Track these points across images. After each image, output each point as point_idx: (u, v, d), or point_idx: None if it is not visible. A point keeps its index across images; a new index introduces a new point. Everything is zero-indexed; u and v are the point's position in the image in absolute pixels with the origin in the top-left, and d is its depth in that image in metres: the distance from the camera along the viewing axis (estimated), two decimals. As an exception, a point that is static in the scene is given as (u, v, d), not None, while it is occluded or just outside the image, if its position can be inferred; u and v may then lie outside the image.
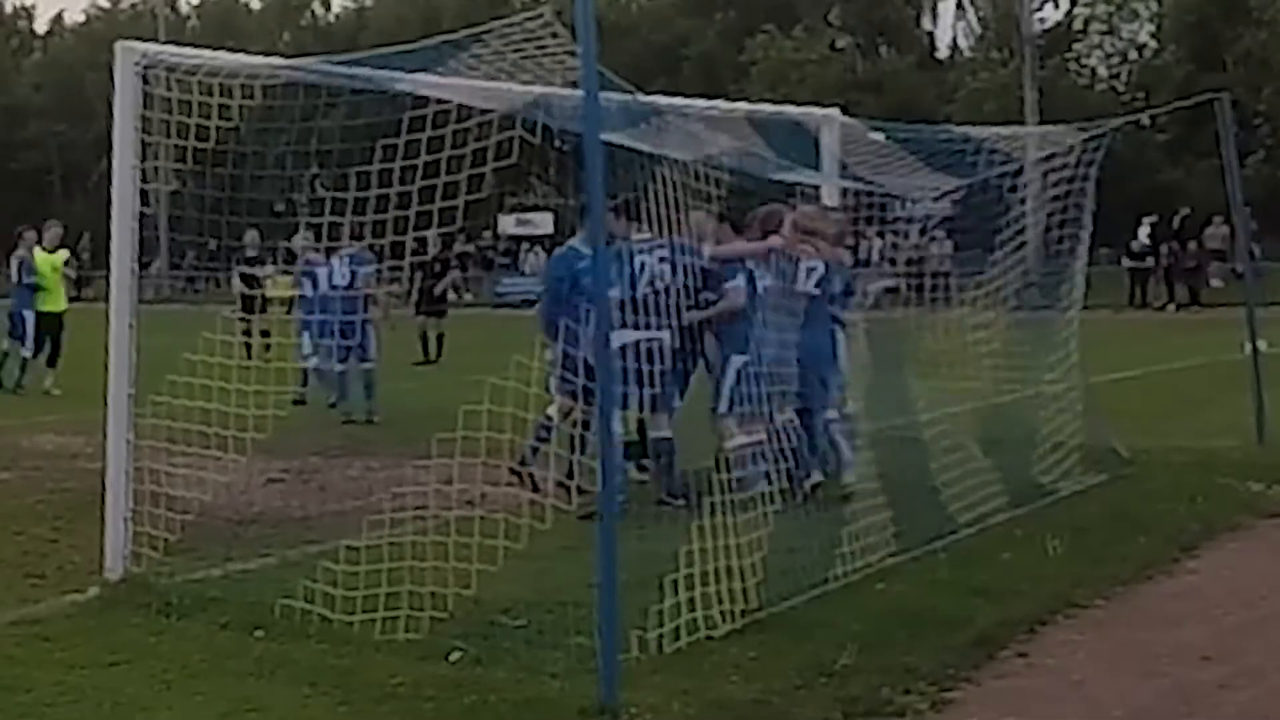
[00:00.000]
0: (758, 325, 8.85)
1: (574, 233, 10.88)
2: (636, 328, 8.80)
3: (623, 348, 8.60)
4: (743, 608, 6.78)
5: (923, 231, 12.74)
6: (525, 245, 47.73)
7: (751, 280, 9.51)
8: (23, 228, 18.87)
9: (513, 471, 8.71)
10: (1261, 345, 12.50)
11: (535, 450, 9.06)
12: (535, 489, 8.33)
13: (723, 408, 9.45)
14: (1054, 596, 7.31)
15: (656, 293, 8.99)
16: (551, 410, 9.34)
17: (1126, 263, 37.03)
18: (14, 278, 18.42)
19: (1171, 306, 36.64)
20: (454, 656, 6.23)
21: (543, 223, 48.54)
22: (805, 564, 7.40)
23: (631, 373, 8.63)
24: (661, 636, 6.31)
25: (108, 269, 7.75)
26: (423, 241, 8.75)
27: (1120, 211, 29.84)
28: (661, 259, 9.20)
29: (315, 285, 14.51)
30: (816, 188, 10.84)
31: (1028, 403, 11.01)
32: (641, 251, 9.32)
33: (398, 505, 7.44)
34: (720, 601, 6.70)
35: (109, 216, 7.57)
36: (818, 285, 9.75)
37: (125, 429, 7.63)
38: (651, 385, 8.86)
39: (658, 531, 7.65)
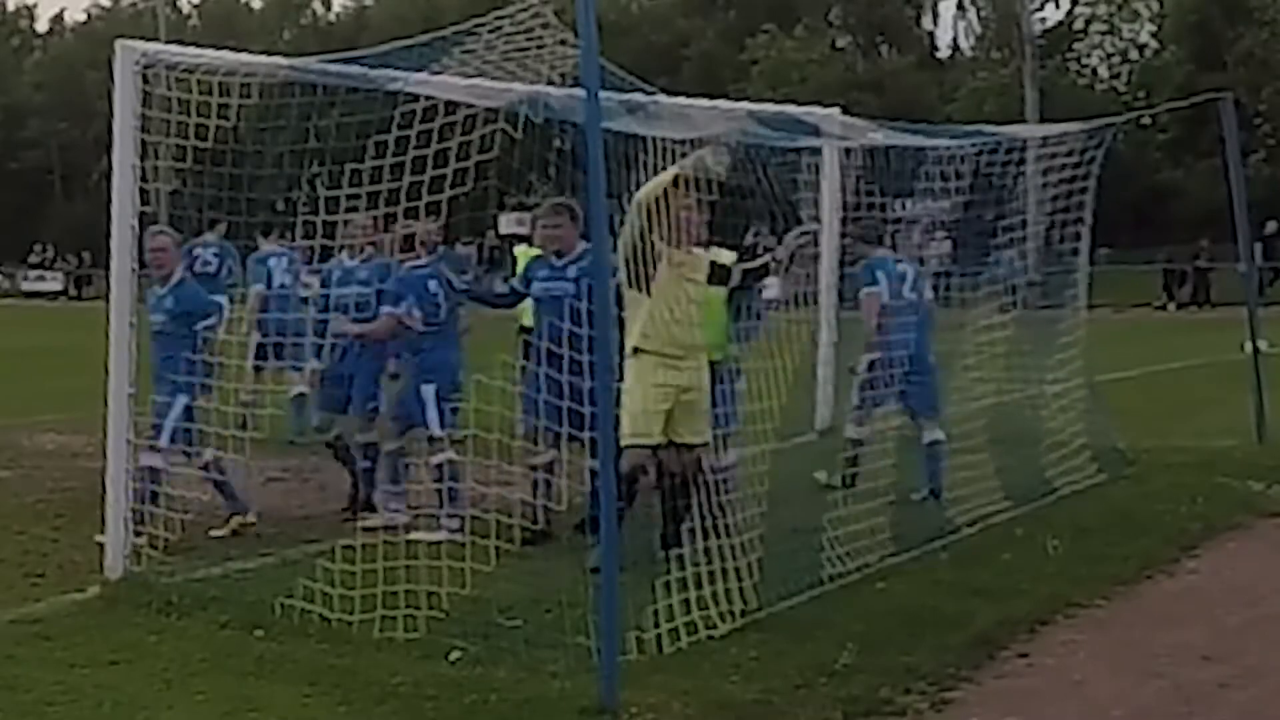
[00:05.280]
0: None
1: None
2: None
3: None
4: (742, 608, 6.78)
5: (925, 233, 12.68)
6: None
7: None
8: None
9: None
10: (1262, 345, 12.49)
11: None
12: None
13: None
14: (1054, 596, 7.31)
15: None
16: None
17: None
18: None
19: (1172, 306, 36.64)
20: (454, 656, 6.23)
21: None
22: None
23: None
24: (661, 636, 6.30)
25: (107, 269, 7.74)
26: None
27: (1120, 211, 29.81)
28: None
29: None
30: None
31: (1030, 402, 11.00)
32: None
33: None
34: (720, 602, 6.69)
35: (109, 216, 7.56)
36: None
37: (125, 428, 7.63)
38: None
39: (657, 532, 7.65)
